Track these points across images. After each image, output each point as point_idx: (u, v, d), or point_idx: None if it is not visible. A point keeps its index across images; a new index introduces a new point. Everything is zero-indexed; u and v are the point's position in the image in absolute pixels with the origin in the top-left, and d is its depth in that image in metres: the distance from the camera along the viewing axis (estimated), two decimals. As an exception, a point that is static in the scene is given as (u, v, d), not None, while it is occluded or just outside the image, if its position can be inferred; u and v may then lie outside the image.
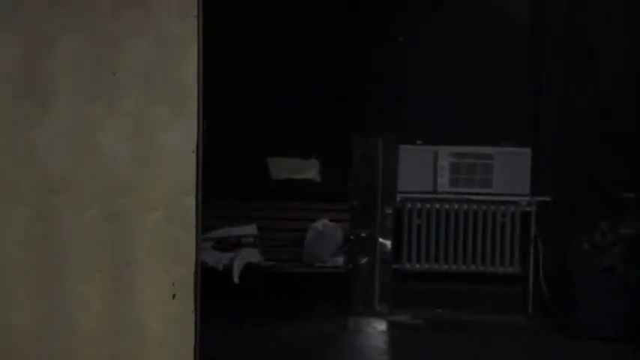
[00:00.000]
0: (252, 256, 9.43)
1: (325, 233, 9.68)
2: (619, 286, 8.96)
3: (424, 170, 10.05)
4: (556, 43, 9.97)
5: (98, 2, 5.49)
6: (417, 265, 10.14)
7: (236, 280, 9.11)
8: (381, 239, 9.94)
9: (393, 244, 10.00)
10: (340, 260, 9.69)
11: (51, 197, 5.53)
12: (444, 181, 10.07)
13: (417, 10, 10.10)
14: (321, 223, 9.70)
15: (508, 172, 10.03)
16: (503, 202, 10.04)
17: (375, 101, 9.99)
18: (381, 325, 9.50)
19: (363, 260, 9.84)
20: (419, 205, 10.07)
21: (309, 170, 10.03)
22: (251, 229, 9.70)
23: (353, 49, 9.86)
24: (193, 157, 5.58)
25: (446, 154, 10.02)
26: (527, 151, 10.02)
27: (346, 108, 9.84)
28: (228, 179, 8.50)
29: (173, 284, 5.60)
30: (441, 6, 10.16)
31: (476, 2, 10.28)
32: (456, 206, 10.07)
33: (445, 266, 10.10)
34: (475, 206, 10.05)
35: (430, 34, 10.12)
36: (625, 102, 9.70)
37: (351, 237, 9.79)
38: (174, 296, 5.60)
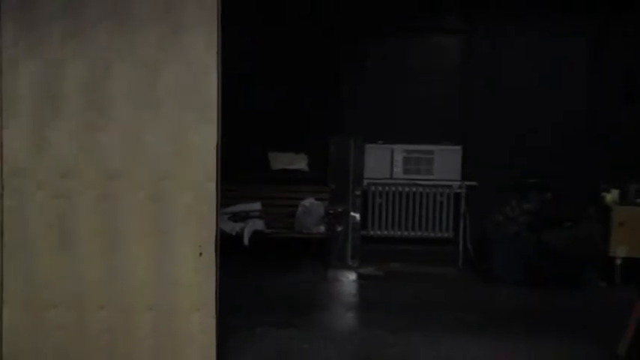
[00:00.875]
0: (258, 225, 9.45)
1: (311, 209, 9.70)
2: (522, 246, 9.05)
3: (384, 162, 10.06)
4: (480, 72, 10.05)
5: (146, 37, 5.52)
6: (379, 232, 10.16)
7: (246, 242, 9.14)
8: (352, 213, 9.97)
9: (361, 216, 10.04)
10: (322, 228, 9.70)
11: (111, 182, 5.61)
12: (398, 170, 10.08)
13: (380, 43, 10.14)
14: (308, 201, 9.72)
15: (445, 164, 10.06)
16: (441, 186, 10.07)
17: (348, 112, 10.02)
18: (352, 276, 9.54)
19: (339, 228, 9.87)
20: (380, 188, 10.10)
21: (300, 162, 10.04)
22: (257, 206, 9.71)
23: (333, 74, 9.90)
24: (214, 152, 5.55)
25: (400, 151, 10.03)
26: (459, 148, 10.06)
27: (327, 116, 9.86)
28: (240, 169, 8.52)
29: (200, 245, 5.61)
30: (398, 42, 10.20)
31: (423, 40, 10.32)
32: (407, 189, 10.09)
33: (399, 232, 10.12)
34: (421, 188, 10.05)
35: (390, 62, 10.15)
36: (526, 115, 9.79)
37: (330, 211, 9.80)
38: (200, 254, 5.61)
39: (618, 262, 8.86)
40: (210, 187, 5.64)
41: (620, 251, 8.83)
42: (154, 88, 5.59)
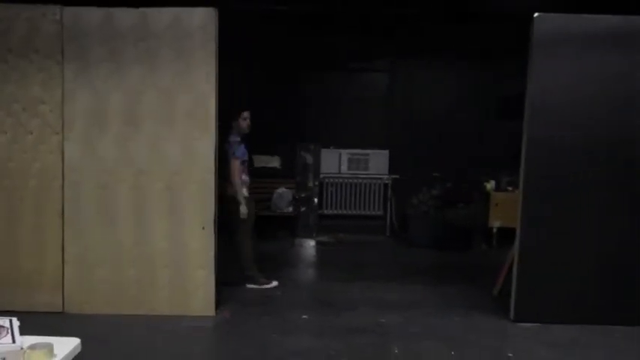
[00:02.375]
0: (245, 206, 9.43)
1: (283, 195, 9.67)
2: (430, 221, 9.09)
3: (334, 162, 9.99)
4: (400, 100, 10.10)
5: (166, 74, 5.52)
6: (331, 211, 10.10)
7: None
8: (312, 197, 9.94)
9: (318, 200, 9.99)
10: (291, 209, 9.68)
11: (139, 177, 5.61)
12: (344, 167, 10.04)
13: (332, 77, 10.10)
14: (281, 189, 9.68)
15: (377, 163, 10.02)
16: (374, 178, 10.04)
17: (310, 126, 9.97)
18: (312, 242, 9.48)
19: (303, 209, 9.83)
20: (331, 180, 10.04)
21: (275, 162, 9.99)
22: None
23: (299, 98, 9.86)
24: (212, 155, 5.56)
25: (345, 154, 9.93)
26: (386, 152, 10.04)
27: (294, 129, 9.82)
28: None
29: (203, 222, 5.61)
30: (344, 77, 10.19)
31: (361, 76, 10.32)
32: (350, 180, 10.05)
33: (345, 211, 10.06)
34: (360, 180, 10.02)
35: (339, 91, 10.07)
36: (432, 129, 9.81)
37: (297, 197, 9.78)
38: (203, 228, 5.61)
39: (494, 231, 8.95)
40: (210, 179, 5.63)
41: (495, 223, 8.92)
42: (171, 110, 5.58)
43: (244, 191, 6.63)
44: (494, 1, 8.22)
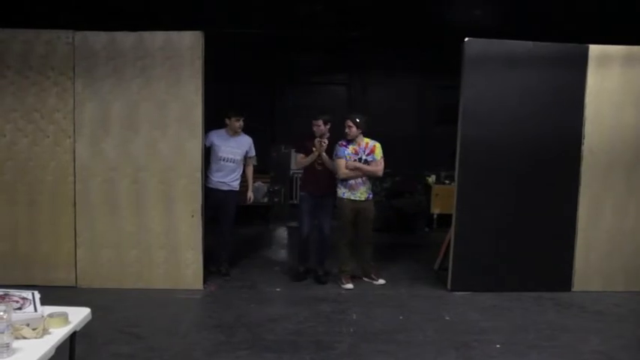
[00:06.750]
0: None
1: (259, 188, 9.62)
2: (382, 208, 8.80)
3: None
4: (356, 107, 10.13)
5: (160, 86, 5.54)
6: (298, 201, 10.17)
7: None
8: (284, 190, 9.95)
9: (289, 192, 9.98)
10: (266, 199, 9.69)
11: (139, 173, 5.62)
12: None
13: (298, 90, 10.13)
14: (257, 183, 9.66)
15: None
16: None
17: (280, 130, 10.00)
18: (283, 227, 9.51)
19: (276, 199, 9.84)
20: (299, 176, 10.05)
21: (253, 160, 9.97)
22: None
23: (272, 109, 9.89)
24: (200, 154, 5.57)
25: None
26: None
27: (268, 134, 9.84)
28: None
29: (192, 210, 5.61)
30: (309, 89, 10.24)
31: (323, 88, 10.40)
32: None
33: None
34: None
35: (305, 101, 10.04)
36: (383, 132, 9.85)
37: (271, 189, 9.78)
38: (192, 215, 5.61)
39: (435, 216, 9.06)
40: (198, 175, 5.63)
41: (436, 210, 9.03)
42: (164, 117, 5.59)
43: (345, 191, 6.17)
44: (436, 26, 8.37)
